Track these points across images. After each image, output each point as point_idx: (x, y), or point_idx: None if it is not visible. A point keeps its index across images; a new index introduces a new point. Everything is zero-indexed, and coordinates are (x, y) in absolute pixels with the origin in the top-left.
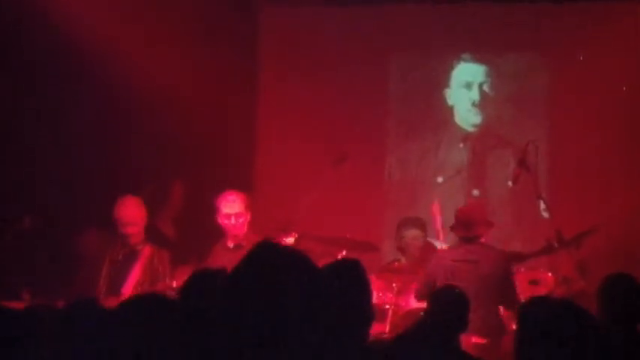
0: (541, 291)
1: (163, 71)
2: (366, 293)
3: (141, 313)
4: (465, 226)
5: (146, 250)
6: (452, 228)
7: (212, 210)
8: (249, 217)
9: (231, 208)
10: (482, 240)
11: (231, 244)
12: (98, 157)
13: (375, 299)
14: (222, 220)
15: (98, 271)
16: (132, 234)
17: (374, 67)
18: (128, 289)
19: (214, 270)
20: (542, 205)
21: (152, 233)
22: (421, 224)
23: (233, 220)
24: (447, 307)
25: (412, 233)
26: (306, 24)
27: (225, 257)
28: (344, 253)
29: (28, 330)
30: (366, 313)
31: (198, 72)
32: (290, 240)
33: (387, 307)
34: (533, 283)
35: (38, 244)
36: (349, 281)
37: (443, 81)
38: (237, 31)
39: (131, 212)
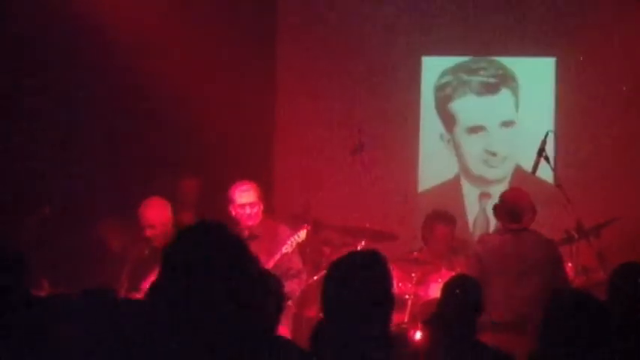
0: None
1: (183, 66)
2: (388, 283)
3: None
4: (512, 215)
5: None
6: (497, 216)
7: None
8: (262, 206)
9: (247, 197)
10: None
11: (246, 234)
12: (120, 149)
13: (394, 289)
14: (236, 211)
15: (121, 267)
16: (155, 236)
17: (394, 58)
18: (147, 285)
19: None
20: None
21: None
22: (452, 220)
23: (248, 210)
24: (461, 295)
25: (443, 230)
26: (324, 14)
27: None
28: (363, 243)
29: (48, 318)
30: (388, 302)
31: (217, 66)
32: (302, 234)
33: (407, 297)
34: None
35: (58, 233)
36: (372, 271)
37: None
38: (256, 25)
39: (155, 214)
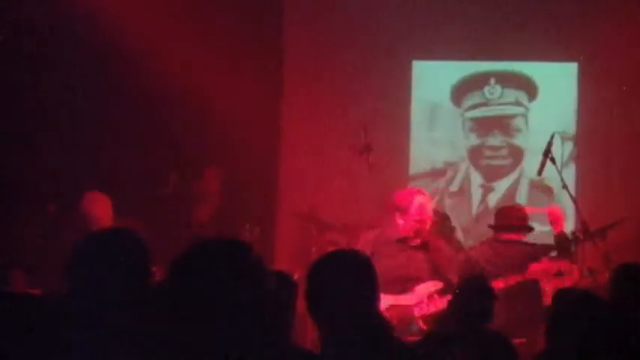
0: (566, 283)
1: (187, 68)
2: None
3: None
4: (507, 227)
5: None
6: (492, 226)
7: (237, 198)
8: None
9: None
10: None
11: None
12: (126, 150)
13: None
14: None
15: None
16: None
17: (400, 58)
18: None
19: None
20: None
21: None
22: (446, 220)
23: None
24: (472, 298)
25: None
26: (330, 11)
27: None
28: None
29: (45, 316)
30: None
31: (222, 67)
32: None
33: None
34: (559, 274)
35: (62, 231)
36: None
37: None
38: (262, 26)
39: (103, 208)
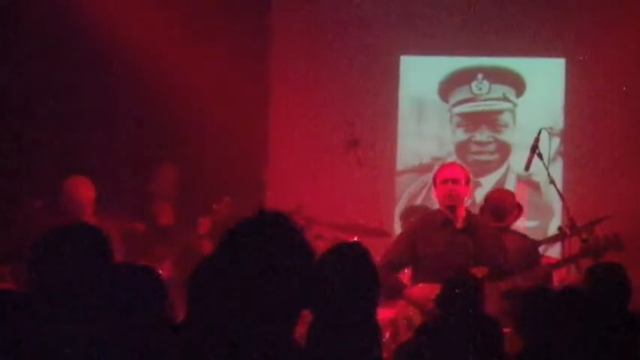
0: (554, 278)
1: (174, 65)
2: (370, 274)
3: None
4: (497, 215)
5: None
6: (482, 214)
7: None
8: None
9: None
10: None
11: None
12: (112, 146)
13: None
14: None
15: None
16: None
17: (388, 53)
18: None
19: None
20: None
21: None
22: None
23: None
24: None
25: None
26: (318, 7)
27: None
28: (355, 239)
29: (29, 313)
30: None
31: (210, 64)
32: None
33: None
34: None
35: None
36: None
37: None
38: (250, 21)
39: (88, 191)
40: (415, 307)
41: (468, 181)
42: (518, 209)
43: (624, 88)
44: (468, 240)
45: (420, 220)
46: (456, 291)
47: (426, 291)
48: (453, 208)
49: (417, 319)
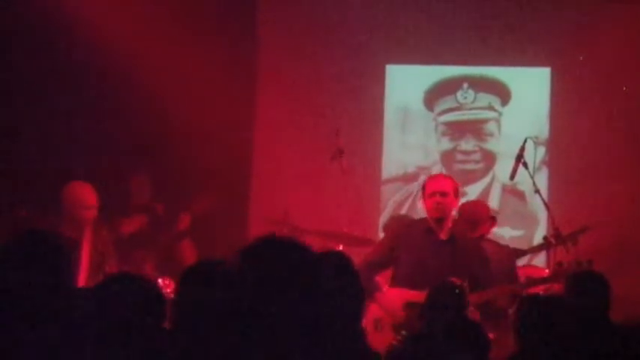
0: (538, 287)
1: (160, 69)
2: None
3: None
4: (470, 224)
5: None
6: (455, 225)
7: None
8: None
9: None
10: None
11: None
12: (98, 151)
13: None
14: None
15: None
16: (93, 217)
17: (373, 61)
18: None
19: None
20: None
21: None
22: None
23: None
24: (448, 301)
25: None
26: (305, 15)
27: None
28: (341, 247)
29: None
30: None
31: (196, 69)
32: None
33: None
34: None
35: None
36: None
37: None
38: (236, 28)
39: (92, 194)
40: (385, 312)
41: (457, 194)
42: (491, 220)
43: (624, 88)
44: (449, 251)
45: (405, 226)
46: (444, 296)
47: (397, 298)
48: (440, 220)
49: (386, 322)
